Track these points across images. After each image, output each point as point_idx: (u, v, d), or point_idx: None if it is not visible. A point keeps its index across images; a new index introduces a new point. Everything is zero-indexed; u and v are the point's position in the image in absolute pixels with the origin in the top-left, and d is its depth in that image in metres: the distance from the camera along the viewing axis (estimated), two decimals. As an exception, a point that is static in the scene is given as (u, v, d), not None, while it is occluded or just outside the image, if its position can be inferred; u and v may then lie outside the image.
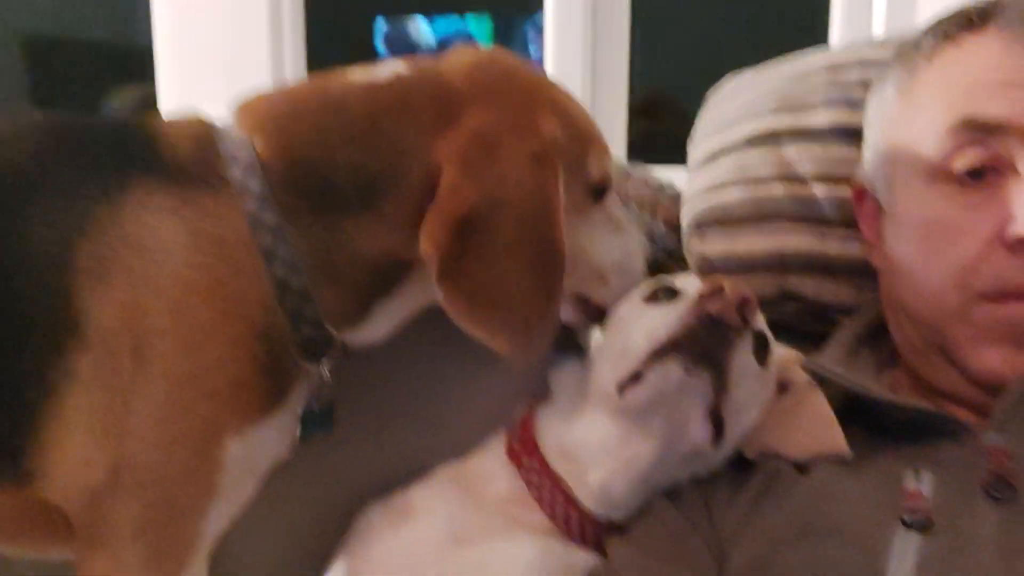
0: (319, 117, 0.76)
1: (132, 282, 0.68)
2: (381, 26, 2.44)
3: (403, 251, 0.75)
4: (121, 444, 0.68)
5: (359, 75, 0.79)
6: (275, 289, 0.73)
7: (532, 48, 2.28)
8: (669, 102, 2.27)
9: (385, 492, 0.92)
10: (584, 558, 0.84)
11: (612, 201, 0.87)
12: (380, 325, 0.81)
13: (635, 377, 0.77)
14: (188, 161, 0.73)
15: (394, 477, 0.93)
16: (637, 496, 0.83)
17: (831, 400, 0.82)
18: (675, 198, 1.08)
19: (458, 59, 0.81)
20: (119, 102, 2.48)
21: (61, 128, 0.73)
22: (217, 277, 0.71)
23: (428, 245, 0.73)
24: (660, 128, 2.21)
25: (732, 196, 0.99)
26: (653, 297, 0.84)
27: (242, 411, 0.72)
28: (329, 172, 0.74)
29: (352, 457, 0.95)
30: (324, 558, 0.91)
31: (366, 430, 0.94)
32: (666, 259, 1.04)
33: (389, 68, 0.79)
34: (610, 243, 0.87)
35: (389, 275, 0.77)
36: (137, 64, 2.47)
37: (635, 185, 1.07)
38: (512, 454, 0.88)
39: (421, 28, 2.44)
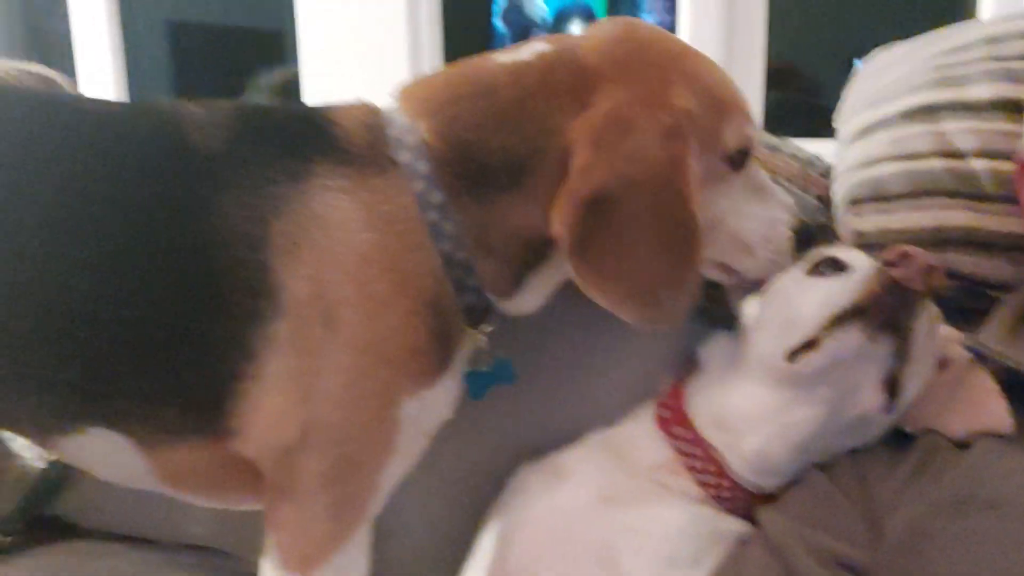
0: (474, 101, 0.79)
1: (319, 256, 0.73)
2: (500, 2, 2.47)
3: (547, 227, 0.77)
4: (312, 404, 0.73)
5: (506, 57, 0.82)
6: (442, 261, 0.78)
7: (648, 17, 2.27)
8: (799, 74, 2.22)
9: (536, 455, 0.95)
10: (735, 525, 0.85)
11: (754, 168, 0.87)
12: (532, 295, 0.85)
13: (809, 344, 0.78)
14: (361, 146, 0.77)
15: (545, 440, 0.96)
16: (793, 465, 0.84)
17: (995, 376, 0.82)
18: (824, 172, 1.07)
19: (595, 34, 0.82)
20: (263, 84, 2.57)
21: (250, 116, 0.78)
22: (391, 252, 0.75)
23: (558, 224, 0.75)
24: (791, 100, 2.17)
25: (888, 171, 0.98)
26: (816, 270, 0.84)
27: (416, 375, 0.77)
28: (484, 154, 0.78)
29: (505, 420, 0.99)
30: (478, 515, 0.95)
31: (518, 395, 0.97)
32: (818, 233, 1.03)
33: (532, 49, 0.82)
34: (753, 211, 0.87)
35: (538, 249, 0.80)
36: (277, 48, 2.58)
37: (783, 159, 1.06)
38: (662, 423, 0.90)
39: (537, 2, 2.46)
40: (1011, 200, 0.92)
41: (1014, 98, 0.94)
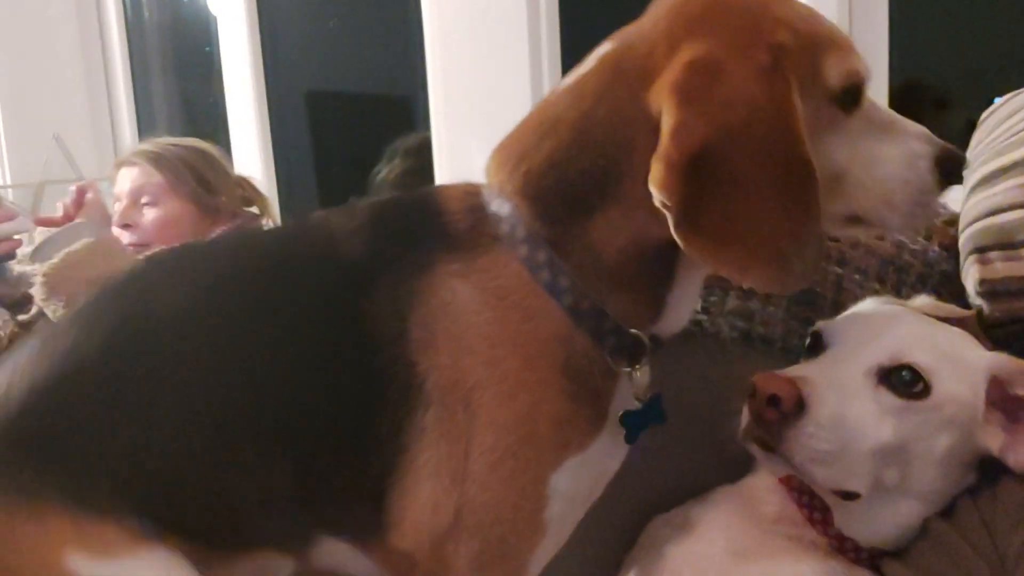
0: (539, 143, 0.78)
1: (452, 343, 0.74)
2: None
3: (660, 228, 0.71)
4: (463, 489, 0.74)
5: (570, 77, 0.79)
6: (569, 317, 0.75)
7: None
8: (930, 91, 2.13)
9: (665, 508, 0.97)
10: (866, 579, 0.85)
11: (872, 106, 0.79)
12: (679, 308, 0.81)
13: None
14: (466, 228, 0.78)
15: (675, 495, 0.99)
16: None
17: None
18: (950, 220, 1.06)
19: (659, 4, 0.77)
20: (399, 148, 2.70)
21: (379, 215, 0.82)
22: (511, 326, 0.75)
23: (661, 194, 0.69)
24: (920, 121, 2.09)
25: (1014, 218, 0.96)
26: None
27: (561, 445, 0.76)
28: (567, 189, 0.76)
29: (638, 473, 1.02)
30: (612, 569, 0.98)
31: (650, 449, 1.00)
32: (939, 283, 1.02)
33: (595, 54, 0.78)
34: (881, 154, 0.77)
35: (662, 258, 0.76)
36: (409, 114, 2.71)
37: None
38: (784, 478, 0.91)
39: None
40: None
41: None
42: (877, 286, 1.01)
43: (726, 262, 0.71)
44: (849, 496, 0.82)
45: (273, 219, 1.96)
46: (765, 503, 0.91)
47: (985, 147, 1.08)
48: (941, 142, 0.78)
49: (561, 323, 0.76)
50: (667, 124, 0.69)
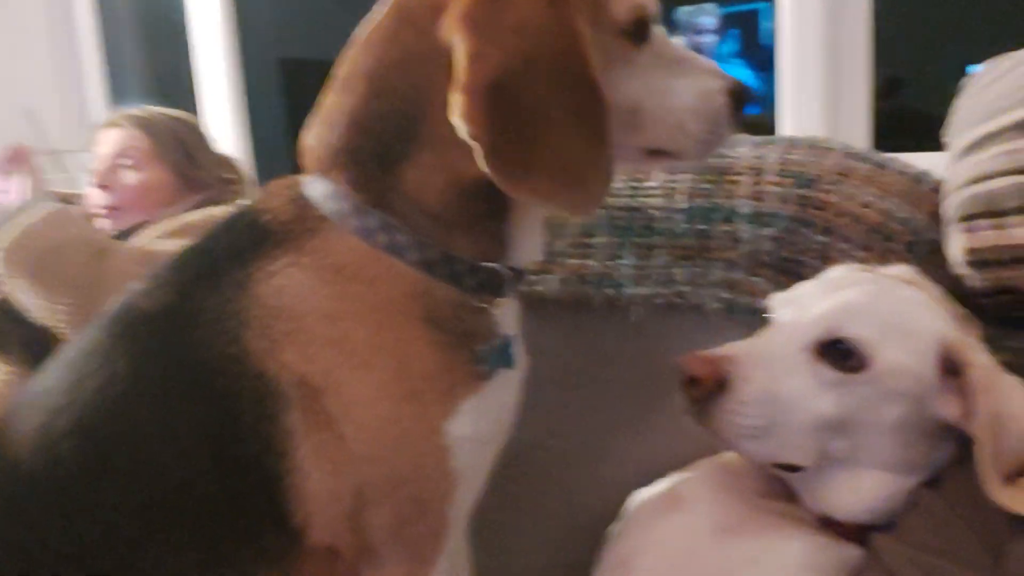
0: (343, 104, 0.78)
1: (293, 338, 0.74)
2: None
3: (470, 162, 0.71)
4: (353, 468, 0.75)
5: (362, 31, 0.79)
6: (420, 270, 0.76)
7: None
8: (906, 85, 2.15)
9: (647, 481, 0.96)
10: (854, 554, 0.83)
11: (662, 41, 0.81)
12: (526, 238, 0.82)
13: None
14: (290, 220, 0.78)
15: (657, 467, 0.97)
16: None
17: None
18: (934, 188, 1.05)
19: None
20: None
21: (188, 258, 0.81)
22: (353, 297, 0.76)
23: (465, 125, 0.69)
24: (900, 111, 2.11)
25: (1001, 185, 0.94)
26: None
27: (446, 393, 0.76)
28: (375, 142, 0.76)
29: (619, 446, 1.01)
30: (594, 542, 0.97)
31: (632, 421, 0.99)
32: (928, 252, 1.01)
33: (383, 3, 0.79)
34: (674, 86, 0.80)
35: (487, 192, 0.75)
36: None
37: (891, 175, 1.04)
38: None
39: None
40: None
41: None
42: (863, 254, 1.00)
43: (533, 190, 0.72)
44: (791, 469, 0.82)
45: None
46: (750, 477, 0.89)
47: (970, 112, 1.06)
48: (731, 76, 0.82)
49: (413, 279, 0.76)
50: (461, 54, 0.69)
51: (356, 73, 0.77)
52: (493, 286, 0.80)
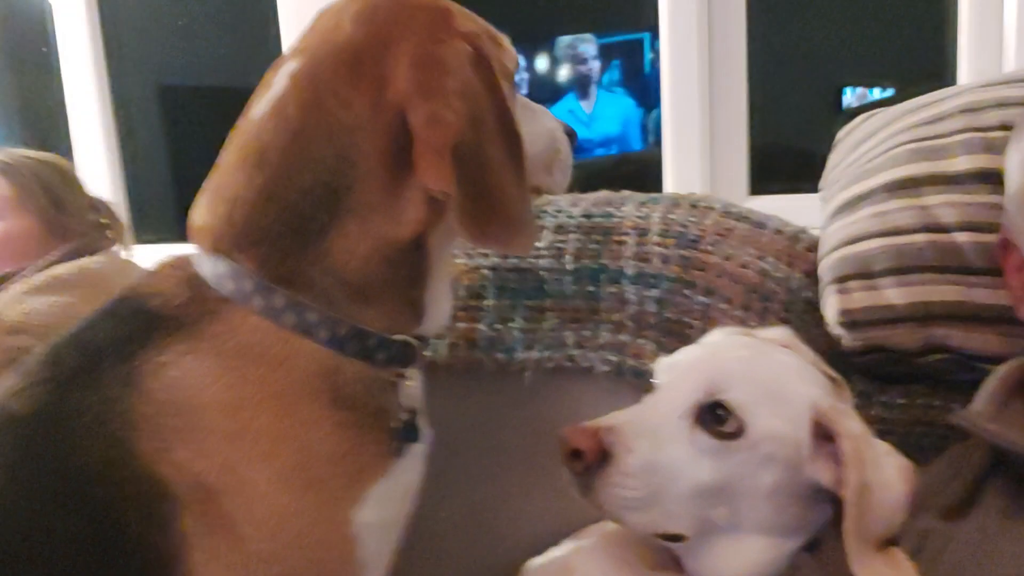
0: (251, 180, 0.75)
1: (188, 434, 0.70)
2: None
3: (400, 229, 0.75)
4: (253, 570, 0.70)
5: (258, 108, 0.77)
6: (330, 348, 0.74)
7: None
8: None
9: (538, 551, 0.96)
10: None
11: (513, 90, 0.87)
12: (437, 305, 0.83)
13: None
14: (183, 304, 0.75)
15: (547, 536, 0.97)
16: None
17: (983, 449, 0.82)
18: (811, 247, 1.08)
19: (329, 16, 0.79)
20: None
21: (64, 351, 0.75)
22: (255, 382, 0.72)
23: (438, 184, 0.72)
24: (775, 149, 2.19)
25: (873, 247, 0.98)
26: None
27: (352, 480, 0.74)
28: (292, 217, 0.74)
29: (509, 514, 1.00)
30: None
31: (521, 489, 0.98)
32: (804, 311, 1.04)
33: (280, 76, 0.77)
34: (535, 130, 0.88)
35: (407, 259, 0.77)
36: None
37: (769, 235, 1.07)
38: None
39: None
40: (997, 272, 0.92)
41: (994, 169, 0.94)
42: (742, 314, 1.02)
43: (492, 237, 0.76)
44: (674, 539, 0.82)
45: (125, 246, 1.84)
46: (638, 545, 0.90)
47: (843, 171, 1.10)
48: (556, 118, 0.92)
49: (321, 357, 0.74)
50: (418, 120, 0.72)
51: (265, 148, 0.75)
52: (404, 358, 0.79)
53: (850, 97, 2.18)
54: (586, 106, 3.35)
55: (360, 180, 0.74)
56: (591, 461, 0.78)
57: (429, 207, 0.76)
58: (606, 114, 3.37)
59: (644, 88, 3.32)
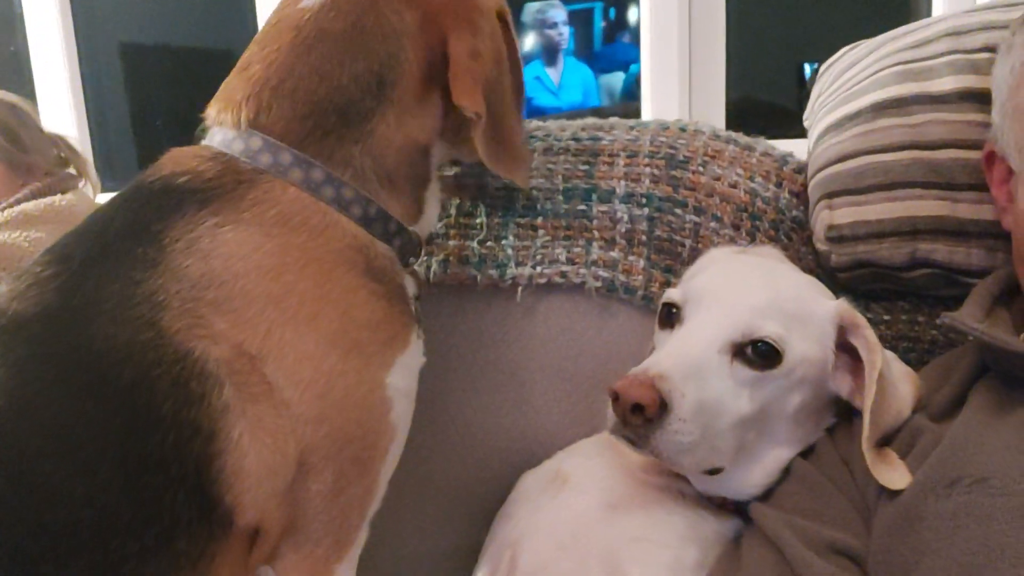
0: (307, 58, 0.79)
1: (223, 307, 0.70)
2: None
3: (421, 132, 0.83)
4: (297, 435, 0.71)
5: (308, 1, 0.81)
6: (361, 224, 0.78)
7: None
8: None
9: (535, 463, 0.97)
10: (733, 524, 0.87)
11: None
12: (431, 209, 0.89)
13: None
14: (215, 176, 0.75)
15: (541, 449, 0.98)
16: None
17: (971, 355, 0.84)
18: (797, 168, 1.09)
19: None
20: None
21: (66, 248, 0.73)
22: (297, 248, 0.74)
23: (473, 105, 0.81)
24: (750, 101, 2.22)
25: (861, 164, 1.00)
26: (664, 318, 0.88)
27: (387, 344, 0.77)
28: (340, 95, 0.78)
29: (492, 430, 1.01)
30: (471, 523, 0.97)
31: (515, 402, 0.98)
32: (791, 229, 1.05)
33: None
34: None
35: (420, 162, 0.85)
36: (229, 66, 2.56)
37: (757, 156, 1.08)
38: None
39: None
40: (982, 188, 0.94)
41: (980, 88, 0.96)
42: (732, 232, 1.03)
43: (503, 163, 0.87)
44: (714, 472, 0.83)
45: (91, 180, 1.80)
46: (632, 453, 0.90)
47: (828, 97, 1.12)
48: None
49: (355, 232, 0.78)
50: (461, 50, 0.81)
51: (323, 31, 0.79)
52: (411, 251, 0.85)
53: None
54: (553, 74, 3.34)
55: (402, 78, 0.80)
56: (653, 414, 0.76)
57: (441, 122, 0.85)
58: (572, 82, 3.37)
59: (596, 57, 3.33)
